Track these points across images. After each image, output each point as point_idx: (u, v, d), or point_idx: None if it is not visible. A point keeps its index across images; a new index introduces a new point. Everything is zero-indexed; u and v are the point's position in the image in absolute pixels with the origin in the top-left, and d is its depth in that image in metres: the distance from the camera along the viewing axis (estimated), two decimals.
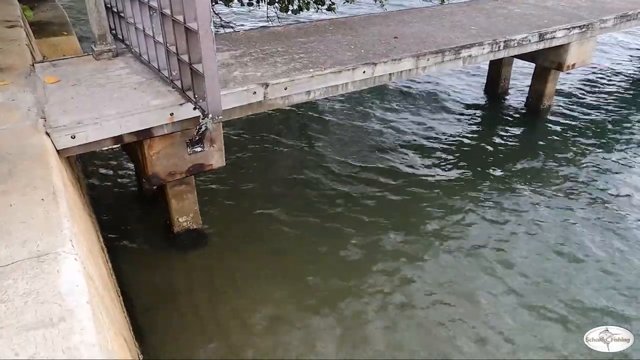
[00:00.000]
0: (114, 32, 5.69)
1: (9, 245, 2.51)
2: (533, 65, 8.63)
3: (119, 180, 6.59)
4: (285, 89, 5.01)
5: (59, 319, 2.11)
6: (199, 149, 4.74)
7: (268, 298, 4.75)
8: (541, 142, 8.06)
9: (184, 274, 5.07)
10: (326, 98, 7.66)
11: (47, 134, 3.75)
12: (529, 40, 7.14)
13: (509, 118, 8.95)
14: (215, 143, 4.81)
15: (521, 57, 8.06)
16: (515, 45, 7.01)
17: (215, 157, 4.87)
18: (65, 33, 6.71)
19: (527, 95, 9.19)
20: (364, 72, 5.45)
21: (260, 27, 7.30)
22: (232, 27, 11.67)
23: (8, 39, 5.53)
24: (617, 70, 11.29)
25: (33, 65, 4.99)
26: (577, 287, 4.91)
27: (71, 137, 3.86)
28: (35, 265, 2.41)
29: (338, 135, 7.91)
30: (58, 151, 3.77)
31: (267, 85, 4.88)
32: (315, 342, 4.29)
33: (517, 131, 8.50)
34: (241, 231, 5.62)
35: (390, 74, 5.78)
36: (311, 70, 5.21)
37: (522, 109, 9.20)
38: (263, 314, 4.56)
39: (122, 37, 5.54)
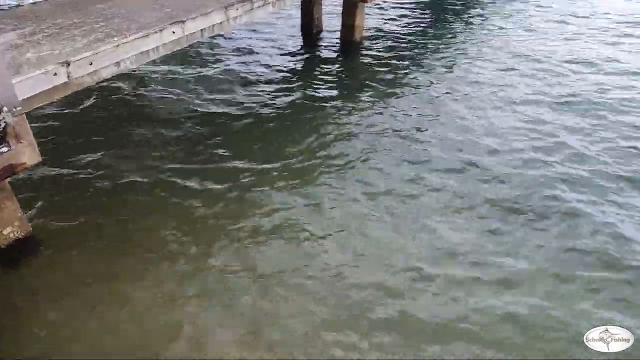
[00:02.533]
0: None
1: None
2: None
3: None
4: (90, 64, 4.58)
5: None
6: (5, 149, 4.17)
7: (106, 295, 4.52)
8: (355, 69, 8.74)
9: (22, 289, 4.55)
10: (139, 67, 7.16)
11: None
12: None
13: (326, 53, 9.44)
14: (24, 138, 4.26)
15: None
16: None
17: (26, 153, 4.32)
18: None
19: (339, 30, 9.65)
20: (173, 32, 5.20)
21: None
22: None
23: None
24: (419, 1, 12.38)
25: None
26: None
27: None
28: None
29: (159, 108, 7.47)
30: None
31: (68, 63, 4.41)
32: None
33: (335, 64, 9.01)
34: (74, 227, 5.15)
35: (202, 29, 5.59)
36: (115, 38, 4.81)
37: (337, 43, 9.71)
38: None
39: None
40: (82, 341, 4.08)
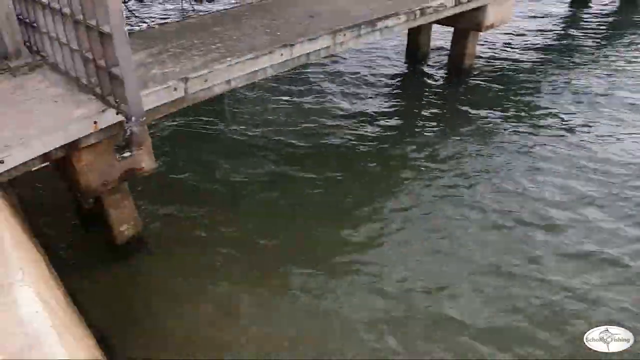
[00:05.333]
0: (27, 44, 5.41)
1: None
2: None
3: (54, 200, 6.33)
4: (205, 81, 5.03)
5: (29, 346, 2.17)
6: (127, 154, 4.70)
7: (212, 294, 4.88)
8: (464, 99, 8.46)
9: (132, 284, 5.06)
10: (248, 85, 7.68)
11: None
12: (445, 6, 7.30)
13: (431, 82, 9.24)
14: (144, 145, 4.78)
15: (440, 22, 8.16)
16: (432, 12, 7.17)
17: (145, 159, 4.84)
18: None
19: (448, 57, 9.45)
20: (281, 54, 5.56)
21: (176, 21, 7.08)
22: (146, 23, 11.24)
23: None
24: (535, 28, 11.78)
25: None
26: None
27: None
28: None
29: (267, 122, 7.94)
30: None
31: (186, 79, 4.89)
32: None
33: (438, 94, 8.83)
34: (180, 233, 5.63)
35: (308, 53, 5.91)
36: (229, 59, 5.25)
37: (444, 72, 9.49)
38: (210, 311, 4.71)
39: (37, 48, 5.28)
40: (184, 331, 4.46)
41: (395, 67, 9.94)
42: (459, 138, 7.26)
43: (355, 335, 4.35)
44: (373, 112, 8.19)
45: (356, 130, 7.56)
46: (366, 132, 7.53)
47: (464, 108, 8.18)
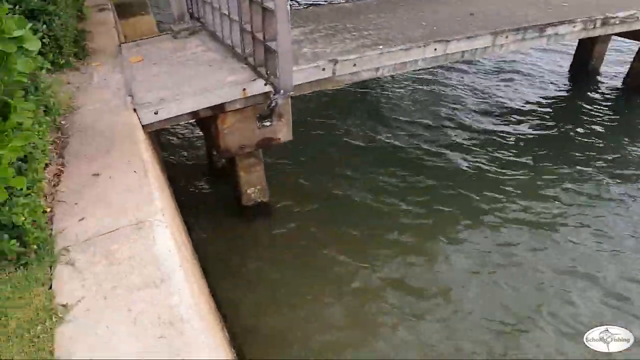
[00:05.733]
0: (190, 10, 5.91)
1: (112, 215, 2.79)
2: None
3: (189, 153, 6.92)
4: (354, 66, 5.05)
5: (160, 280, 2.37)
6: (268, 123, 4.91)
7: (329, 268, 4.94)
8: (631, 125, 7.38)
9: (252, 244, 5.33)
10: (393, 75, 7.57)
11: (134, 110, 4.03)
12: (637, 18, 6.39)
13: (598, 100, 8.18)
14: (284, 117, 4.96)
15: (622, 34, 7.14)
16: (617, 22, 6.33)
17: (283, 131, 5.03)
18: (143, 13, 7.06)
19: (625, 74, 8.39)
20: (435, 49, 5.38)
21: (328, 3, 7.25)
22: (297, 3, 11.66)
23: (99, 22, 5.95)
24: None
25: (120, 45, 5.32)
26: None
27: (154, 113, 4.12)
28: (135, 232, 2.68)
29: (407, 113, 7.80)
30: (143, 126, 4.04)
31: (336, 61, 4.94)
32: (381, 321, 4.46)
33: (605, 114, 7.76)
34: (305, 204, 5.80)
35: (463, 51, 5.66)
36: (381, 47, 5.20)
37: (616, 89, 8.45)
38: (325, 284, 4.75)
39: (198, 16, 5.74)
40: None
41: (556, 81, 9.02)
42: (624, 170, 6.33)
43: None
44: (519, 118, 7.64)
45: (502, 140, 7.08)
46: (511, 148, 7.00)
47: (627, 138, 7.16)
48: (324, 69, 4.91)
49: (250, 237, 5.39)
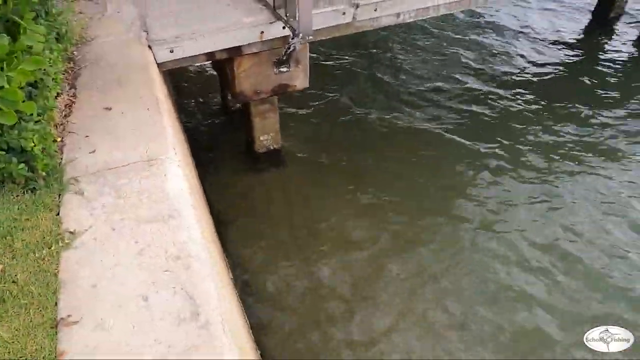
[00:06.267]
0: None
1: (123, 149, 2.76)
2: None
3: (204, 97, 6.82)
4: (375, 10, 4.85)
5: (169, 216, 2.35)
6: (284, 69, 4.79)
7: (337, 214, 4.95)
8: None
9: (263, 190, 5.33)
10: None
11: (149, 47, 3.93)
12: None
13: (620, 46, 7.86)
14: (301, 64, 4.83)
15: None
16: None
17: (300, 78, 4.91)
18: None
19: None
20: None
21: None
22: None
23: None
24: None
25: None
26: None
27: (170, 51, 4.02)
28: (145, 168, 2.65)
29: (425, 65, 7.54)
30: (158, 64, 3.96)
31: (357, 5, 4.74)
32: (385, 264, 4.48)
33: (629, 63, 7.50)
34: (317, 154, 5.73)
35: None
36: None
37: (636, 40, 8.05)
38: (332, 229, 4.79)
39: None
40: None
41: (576, 24, 8.67)
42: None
43: None
44: (539, 75, 7.36)
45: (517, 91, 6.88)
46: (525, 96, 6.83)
47: None
48: (344, 13, 4.72)
49: (261, 183, 5.38)
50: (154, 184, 2.55)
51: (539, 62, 7.54)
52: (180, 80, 7.04)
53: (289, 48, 4.39)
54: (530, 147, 5.76)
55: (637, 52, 7.87)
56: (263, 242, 4.64)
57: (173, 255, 2.13)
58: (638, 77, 7.24)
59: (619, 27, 8.47)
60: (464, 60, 7.58)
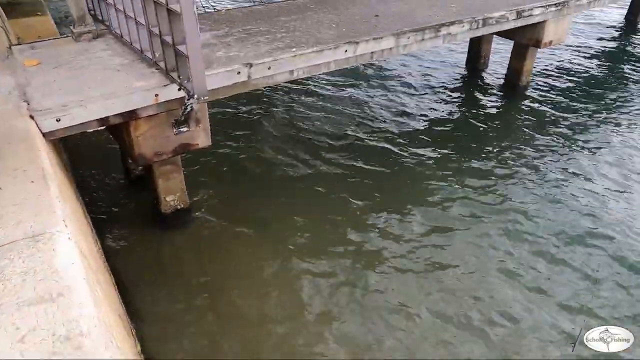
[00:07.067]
0: (92, 12, 5.63)
1: (3, 226, 2.58)
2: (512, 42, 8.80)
3: (103, 161, 6.59)
4: (268, 69, 5.05)
5: (58, 294, 2.21)
6: (184, 129, 4.78)
7: (250, 268, 4.95)
8: (518, 118, 8.24)
9: (172, 251, 5.19)
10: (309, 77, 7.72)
11: (31, 117, 3.77)
12: (507, 18, 7.23)
13: (487, 95, 9.11)
14: (201, 122, 4.86)
15: (500, 34, 8.19)
16: (494, 22, 7.10)
17: (201, 136, 4.92)
18: (39, 13, 6.59)
19: (506, 71, 9.36)
20: (345, 51, 5.50)
21: (242, 6, 7.23)
22: (212, 7, 11.52)
23: None
24: (591, 47, 11.41)
25: (10, 47, 4.95)
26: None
27: (56, 120, 3.87)
28: (30, 245, 2.49)
29: (320, 115, 7.96)
30: (44, 134, 3.79)
31: (251, 65, 4.92)
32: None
33: (495, 107, 8.65)
34: (226, 209, 5.72)
35: (372, 52, 5.84)
36: (294, 49, 5.25)
37: (500, 85, 9.35)
38: (247, 282, 4.77)
39: (102, 18, 5.49)
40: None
41: (454, 75, 9.87)
42: (496, 161, 7.02)
43: None
44: (424, 116, 8.17)
45: (403, 137, 7.46)
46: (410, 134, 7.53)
47: (514, 125, 8.07)
48: (239, 73, 4.86)
49: (169, 243, 5.24)
50: (40, 261, 2.39)
51: (422, 114, 8.26)
52: (78, 147, 6.76)
53: (185, 109, 4.42)
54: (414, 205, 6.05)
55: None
56: (175, 306, 4.47)
57: (62, 336, 1.99)
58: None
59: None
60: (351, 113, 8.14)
